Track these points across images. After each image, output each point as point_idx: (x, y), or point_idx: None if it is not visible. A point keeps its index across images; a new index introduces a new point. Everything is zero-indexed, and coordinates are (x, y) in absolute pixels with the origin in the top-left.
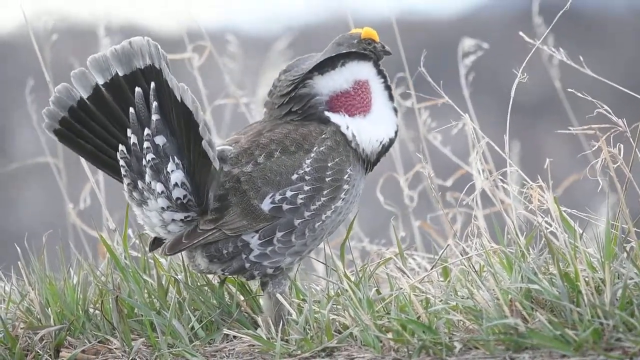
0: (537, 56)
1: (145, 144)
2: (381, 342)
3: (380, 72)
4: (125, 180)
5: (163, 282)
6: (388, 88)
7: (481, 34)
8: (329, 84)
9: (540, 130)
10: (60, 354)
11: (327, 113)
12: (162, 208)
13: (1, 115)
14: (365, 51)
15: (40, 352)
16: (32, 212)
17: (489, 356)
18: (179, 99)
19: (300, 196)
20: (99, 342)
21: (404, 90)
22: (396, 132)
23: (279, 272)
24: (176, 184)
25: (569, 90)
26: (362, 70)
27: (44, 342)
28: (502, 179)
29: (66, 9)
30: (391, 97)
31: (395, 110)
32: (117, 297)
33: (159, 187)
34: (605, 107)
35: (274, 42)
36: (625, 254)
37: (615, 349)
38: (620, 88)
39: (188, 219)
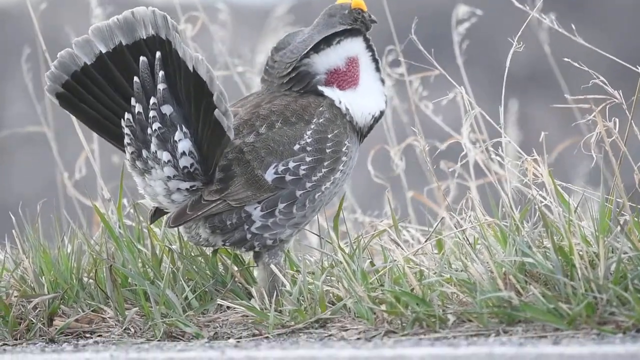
0: (529, 29)
1: (151, 113)
2: (374, 313)
3: (368, 45)
4: (129, 149)
5: (157, 252)
6: (375, 60)
7: (475, 2)
8: (324, 61)
9: (534, 103)
10: (54, 322)
11: (320, 87)
12: (168, 177)
13: None
14: (356, 22)
15: (34, 321)
16: (27, 181)
17: (482, 329)
18: (190, 68)
19: (302, 167)
20: (92, 311)
21: (395, 58)
22: (386, 103)
23: (277, 243)
24: (183, 153)
25: (565, 59)
26: (354, 47)
27: (37, 310)
28: (496, 151)
29: None
30: (378, 69)
31: (383, 81)
32: (111, 266)
33: (165, 155)
34: (601, 77)
35: (271, 10)
36: (619, 228)
37: (608, 323)
38: (615, 59)
39: (193, 188)
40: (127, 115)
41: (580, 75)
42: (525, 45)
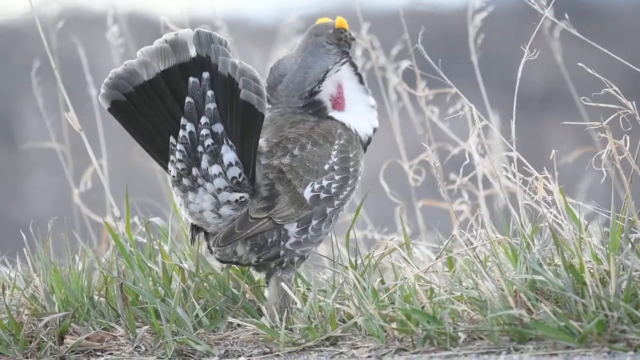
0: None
1: (203, 132)
2: (385, 331)
3: (351, 63)
4: (179, 165)
5: (168, 270)
6: (358, 75)
7: (490, 26)
8: (327, 89)
9: (546, 119)
10: (65, 340)
11: (330, 113)
12: (219, 189)
13: (8, 102)
14: (340, 41)
15: (45, 339)
16: (39, 199)
17: (493, 347)
18: (225, 75)
19: (333, 185)
20: (103, 329)
21: (408, 69)
22: (375, 130)
23: (302, 260)
24: (230, 164)
25: (579, 64)
26: (342, 71)
27: (48, 328)
28: (507, 168)
29: None
30: (362, 82)
31: (368, 91)
32: (121, 284)
33: (215, 169)
34: (614, 87)
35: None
36: (630, 246)
37: (619, 341)
38: (629, 65)
39: (242, 199)
40: (181, 133)
41: (594, 89)
42: (538, 60)
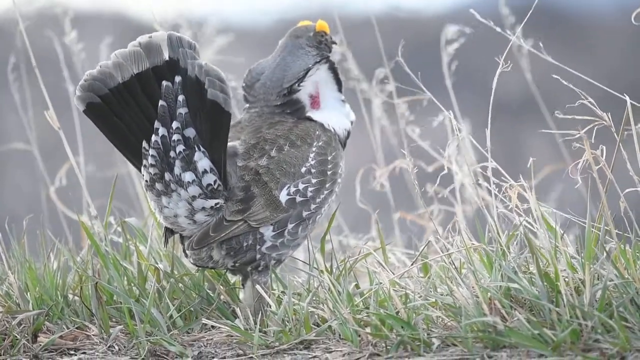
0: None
1: (175, 137)
2: (359, 336)
3: (331, 67)
4: (151, 170)
5: (143, 270)
6: (339, 82)
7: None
8: (307, 89)
9: (521, 128)
10: (38, 339)
11: (308, 113)
12: (193, 196)
13: None
14: (320, 44)
15: (18, 337)
16: (14, 196)
17: (467, 353)
18: (193, 77)
19: (310, 189)
20: (77, 328)
21: (385, 85)
22: (352, 122)
23: (278, 264)
24: (205, 171)
25: (553, 76)
26: (320, 72)
27: (22, 326)
28: (484, 173)
29: None
30: (340, 90)
31: (344, 102)
32: (96, 283)
33: (188, 176)
34: (590, 99)
35: (263, 34)
36: (605, 255)
37: (593, 350)
38: (601, 86)
39: (217, 206)
40: (154, 138)
41: (568, 102)
42: (514, 69)
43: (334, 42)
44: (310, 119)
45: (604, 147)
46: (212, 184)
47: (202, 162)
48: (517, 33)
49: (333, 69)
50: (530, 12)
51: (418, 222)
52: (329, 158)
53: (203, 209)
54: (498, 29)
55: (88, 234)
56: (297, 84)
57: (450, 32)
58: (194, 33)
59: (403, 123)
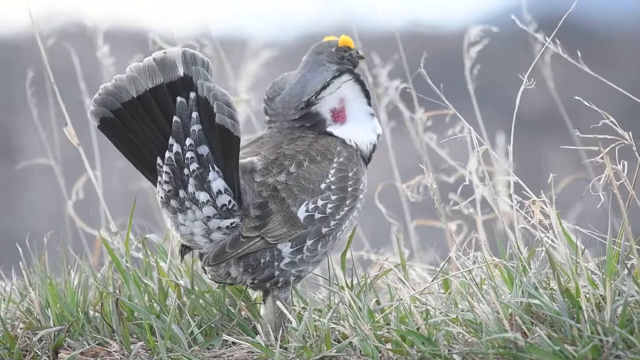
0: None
1: (189, 154)
2: (380, 352)
3: (358, 80)
4: (166, 187)
5: (164, 286)
6: (367, 95)
7: (489, 48)
8: (327, 103)
9: (543, 144)
10: (59, 355)
11: (329, 129)
12: (208, 217)
13: (6, 117)
14: (343, 60)
15: (39, 353)
16: (36, 213)
17: None
18: (202, 97)
19: (329, 205)
20: (98, 344)
21: (405, 91)
22: (379, 136)
23: (299, 280)
24: (219, 191)
25: (576, 97)
26: (346, 86)
27: (43, 342)
28: (505, 189)
29: (72, 12)
30: (370, 103)
31: (373, 115)
32: (117, 299)
33: (203, 196)
34: (611, 118)
35: (282, 49)
36: (626, 271)
37: None
38: (626, 93)
39: (233, 225)
40: (167, 154)
41: (590, 117)
42: (537, 85)
43: (361, 57)
44: (331, 135)
45: (626, 163)
46: (227, 204)
47: (217, 182)
48: (548, 41)
49: (360, 82)
50: (560, 24)
51: (438, 231)
52: (350, 174)
53: (219, 228)
54: (537, 35)
55: (109, 250)
56: (314, 97)
57: (473, 34)
58: (240, 46)
59: (424, 139)
